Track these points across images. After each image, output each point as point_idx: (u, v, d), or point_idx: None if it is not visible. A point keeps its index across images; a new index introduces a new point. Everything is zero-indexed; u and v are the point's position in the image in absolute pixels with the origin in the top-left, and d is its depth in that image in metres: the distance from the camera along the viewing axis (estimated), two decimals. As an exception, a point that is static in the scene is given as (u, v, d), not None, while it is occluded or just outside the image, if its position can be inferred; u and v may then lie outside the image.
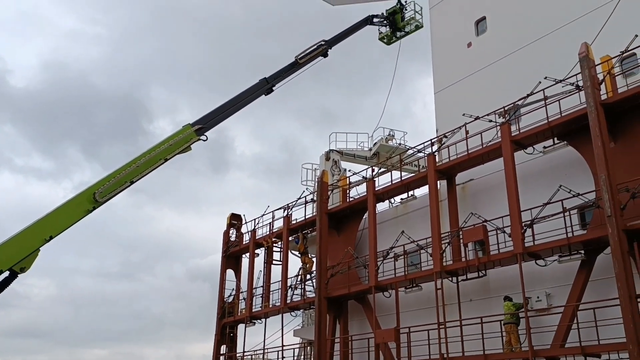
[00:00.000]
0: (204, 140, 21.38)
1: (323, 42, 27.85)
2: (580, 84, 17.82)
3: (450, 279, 20.66)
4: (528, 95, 19.52)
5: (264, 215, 30.47)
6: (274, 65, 25.82)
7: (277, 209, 29.69)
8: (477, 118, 21.26)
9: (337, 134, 34.49)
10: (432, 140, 23.11)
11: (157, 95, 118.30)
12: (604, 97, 17.45)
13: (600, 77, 17.70)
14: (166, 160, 20.09)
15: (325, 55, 28.09)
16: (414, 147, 24.94)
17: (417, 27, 32.71)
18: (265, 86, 25.30)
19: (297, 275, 27.74)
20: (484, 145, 20.72)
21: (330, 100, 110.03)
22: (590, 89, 17.02)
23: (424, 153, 23.36)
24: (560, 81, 18.68)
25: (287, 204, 29.15)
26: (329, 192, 27.26)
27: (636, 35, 16.87)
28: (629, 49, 17.26)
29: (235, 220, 33.35)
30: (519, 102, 20.02)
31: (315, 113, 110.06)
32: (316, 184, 28.46)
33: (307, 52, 27.25)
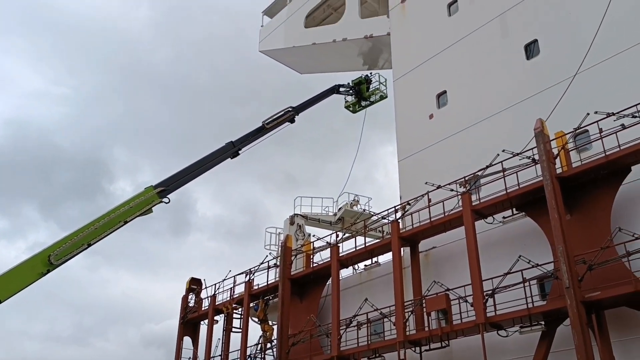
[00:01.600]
0: (166, 203, 21.13)
1: (290, 109, 28.48)
2: (537, 157, 18.49)
3: (413, 349, 20.37)
4: (487, 167, 20.11)
5: (224, 280, 29.85)
6: (240, 130, 26.17)
7: (239, 274, 29.16)
8: (439, 187, 21.70)
9: (302, 198, 34.56)
10: (396, 207, 23.38)
11: (119, 156, 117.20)
12: (559, 170, 18.12)
13: (556, 151, 18.44)
14: (126, 222, 19.71)
15: (292, 121, 28.66)
16: (378, 214, 25.17)
17: (382, 98, 33.89)
18: (231, 150, 25.49)
19: (257, 344, 26.90)
20: (446, 214, 21.05)
21: (294, 165, 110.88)
22: (546, 162, 17.68)
23: (388, 220, 23.55)
24: (517, 154, 19.36)
25: (249, 269, 28.67)
26: (293, 257, 26.97)
27: (588, 114, 17.77)
28: (581, 126, 18.12)
29: (194, 285, 32.48)
30: (479, 173, 20.58)
31: (278, 177, 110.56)
32: (280, 248, 28.17)
33: (275, 117, 27.77)
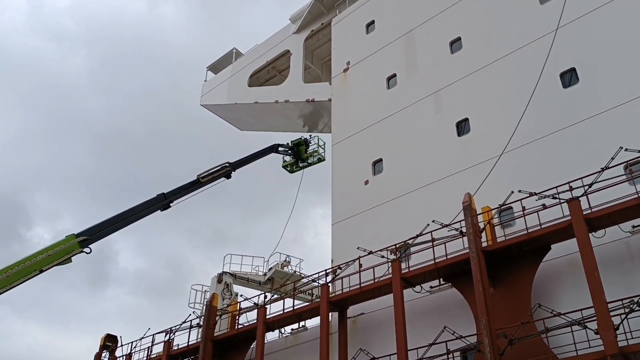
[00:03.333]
0: (87, 253, 20.08)
1: (227, 164, 28.33)
2: (464, 230, 19.11)
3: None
4: (417, 236, 20.54)
5: (142, 338, 28.25)
6: (173, 183, 25.64)
7: (158, 332, 27.73)
8: (370, 252, 21.86)
9: (232, 256, 33.84)
10: (327, 271, 23.27)
11: (41, 201, 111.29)
12: (485, 244, 18.75)
13: (482, 225, 19.14)
14: (42, 271, 18.49)
15: (228, 176, 28.45)
16: (309, 276, 24.93)
17: (320, 160, 34.39)
18: (162, 202, 24.83)
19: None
20: (376, 280, 21.14)
21: (225, 222, 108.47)
22: (472, 235, 18.27)
23: (318, 283, 23.35)
24: (446, 226, 19.95)
25: (170, 328, 27.36)
26: (218, 317, 26.02)
27: (512, 192, 18.67)
28: (506, 203, 18.98)
29: (109, 342, 30.53)
30: (410, 241, 20.96)
31: (207, 233, 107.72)
32: (204, 307, 27.17)
33: (211, 172, 27.49)
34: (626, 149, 16.87)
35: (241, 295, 29.09)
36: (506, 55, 24.13)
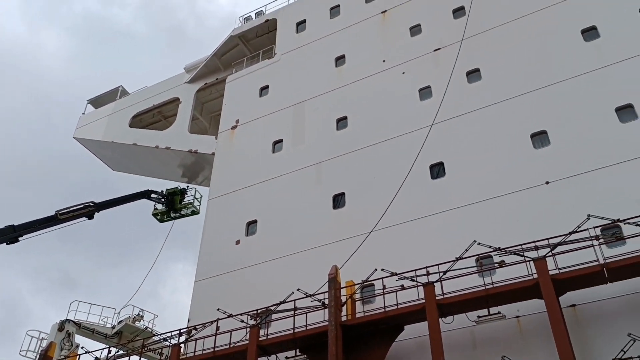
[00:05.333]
0: None
1: (92, 204, 26.56)
2: (327, 302, 19.30)
3: None
4: (280, 303, 20.35)
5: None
6: (23, 216, 23.44)
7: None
8: (230, 316, 21.21)
9: (79, 303, 31.09)
10: (181, 330, 22.12)
11: None
12: (344, 318, 19.01)
13: (344, 299, 19.48)
14: None
15: (90, 217, 26.65)
16: (161, 334, 23.50)
17: (193, 213, 33.29)
18: (10, 234, 22.51)
19: None
20: (232, 345, 20.42)
21: (76, 266, 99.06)
22: (334, 308, 18.50)
23: (170, 342, 22.05)
24: (310, 296, 20.03)
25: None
26: (50, 370, 23.39)
27: (375, 269, 19.36)
28: (369, 280, 19.58)
29: None
30: (272, 308, 20.69)
31: (55, 275, 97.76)
32: (38, 356, 24.39)
33: (72, 209, 25.62)
34: (479, 243, 18.35)
35: (82, 347, 26.57)
36: (386, 140, 25.69)
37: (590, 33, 23.56)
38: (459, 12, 27.87)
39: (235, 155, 30.74)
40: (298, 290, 20.18)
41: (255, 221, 26.97)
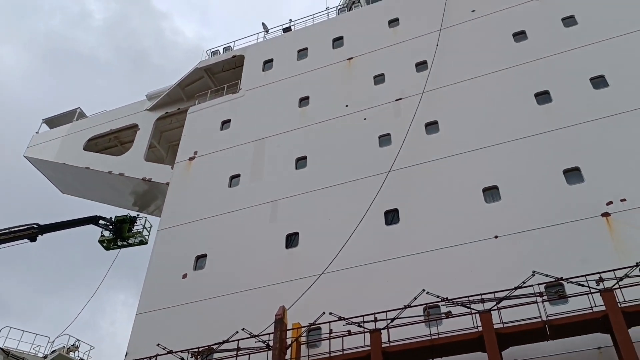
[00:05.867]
0: None
1: (35, 226, 25.55)
2: (271, 343, 18.86)
3: None
4: (223, 342, 19.78)
5: None
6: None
7: None
8: (170, 352, 20.46)
9: (10, 329, 29.46)
10: (117, 365, 21.13)
11: None
12: (288, 361, 18.60)
13: (290, 341, 19.10)
14: None
15: (33, 239, 25.64)
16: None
17: (141, 243, 32.43)
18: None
19: None
20: (169, 384, 19.61)
21: (9, 290, 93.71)
22: (278, 351, 18.10)
23: (104, 377, 21.00)
24: (254, 336, 19.55)
25: None
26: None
27: (323, 312, 19.12)
28: (316, 323, 19.30)
29: None
30: (215, 346, 20.07)
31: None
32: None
33: (13, 230, 24.56)
34: (427, 292, 18.45)
35: (8, 378, 25.01)
36: (344, 183, 25.87)
37: (542, 97, 24.72)
38: (421, 65, 28.82)
39: (190, 186, 30.26)
40: (243, 329, 19.69)
41: (204, 255, 26.38)
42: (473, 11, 29.80)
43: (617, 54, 24.64)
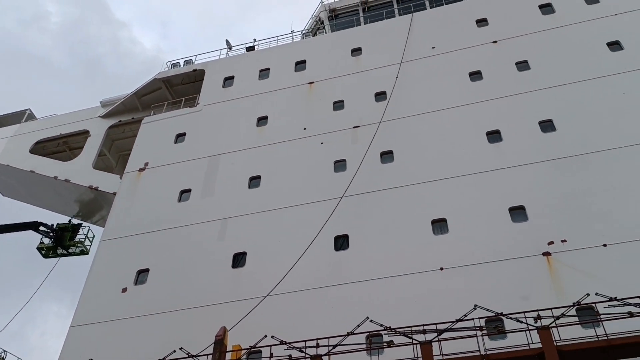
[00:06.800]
0: None
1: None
2: (210, 365, 18.36)
3: None
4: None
5: None
6: None
7: None
8: (102, 369, 19.61)
9: None
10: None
11: None
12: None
13: (228, 363, 18.63)
14: None
15: (-36, 242, 24.16)
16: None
17: (82, 253, 31.40)
18: None
19: None
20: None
21: None
22: (216, 373, 17.60)
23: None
24: (192, 357, 18.99)
25: None
26: None
27: (265, 336, 18.77)
28: (257, 346, 18.92)
29: None
30: (150, 365, 19.39)
31: None
32: None
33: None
34: (371, 320, 18.42)
35: None
36: (296, 206, 25.79)
37: (493, 136, 25.53)
38: (380, 95, 29.33)
39: (138, 198, 29.45)
40: (181, 349, 19.09)
41: (147, 270, 25.59)
42: (433, 48, 30.66)
43: (566, 100, 25.78)
